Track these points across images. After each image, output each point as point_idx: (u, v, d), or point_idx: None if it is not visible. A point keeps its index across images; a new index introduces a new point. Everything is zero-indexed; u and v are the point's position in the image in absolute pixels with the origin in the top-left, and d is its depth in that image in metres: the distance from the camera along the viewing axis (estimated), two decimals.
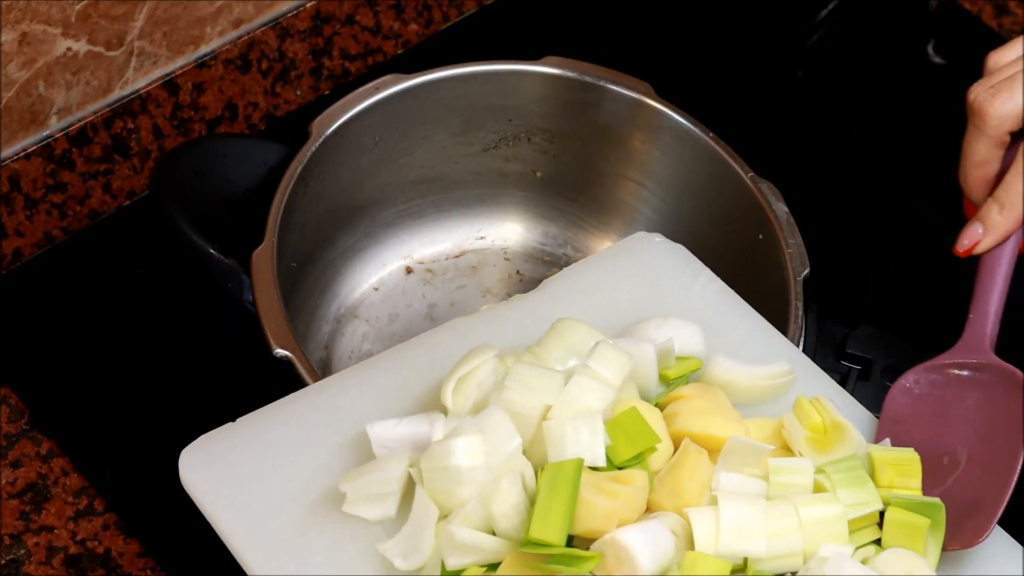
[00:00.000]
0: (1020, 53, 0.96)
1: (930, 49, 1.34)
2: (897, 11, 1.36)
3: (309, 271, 1.13)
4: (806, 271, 1.06)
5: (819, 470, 0.86)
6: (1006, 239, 0.94)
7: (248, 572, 0.84)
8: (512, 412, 0.85)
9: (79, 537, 1.04)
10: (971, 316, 0.95)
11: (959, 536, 0.86)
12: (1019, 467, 0.88)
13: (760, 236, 1.09)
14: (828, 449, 0.88)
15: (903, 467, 0.87)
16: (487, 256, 1.20)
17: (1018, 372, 0.92)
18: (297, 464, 0.88)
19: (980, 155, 0.95)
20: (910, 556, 0.84)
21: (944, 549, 0.85)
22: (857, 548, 0.84)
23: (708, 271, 1.00)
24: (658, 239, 1.01)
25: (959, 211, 1.04)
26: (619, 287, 0.98)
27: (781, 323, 1.02)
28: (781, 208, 1.09)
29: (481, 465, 0.83)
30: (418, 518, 0.84)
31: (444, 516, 0.84)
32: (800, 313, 1.04)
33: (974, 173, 0.96)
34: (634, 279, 0.99)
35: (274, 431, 0.90)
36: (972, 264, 1.00)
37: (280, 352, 0.99)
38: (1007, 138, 0.95)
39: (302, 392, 0.93)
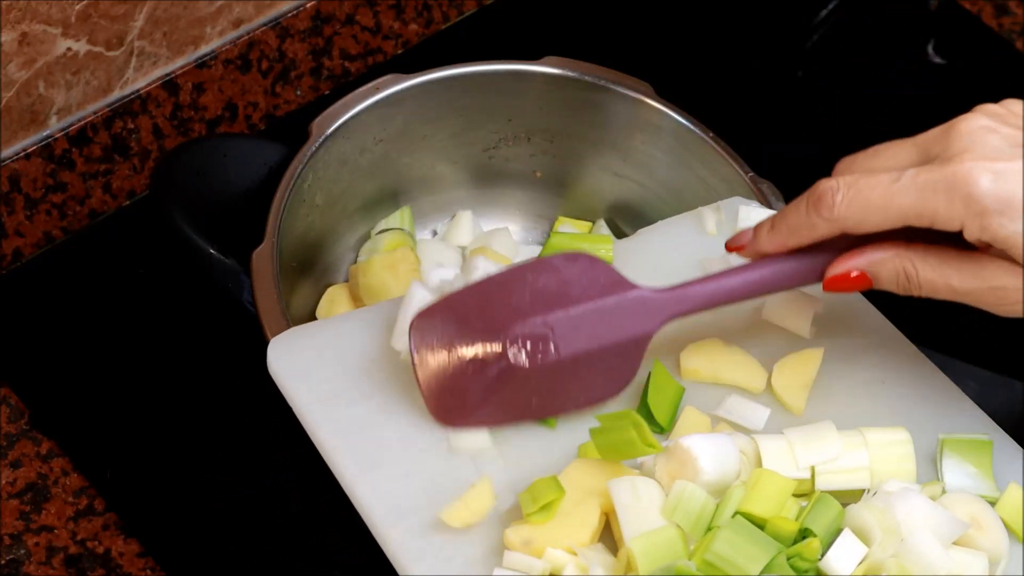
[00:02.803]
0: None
1: (930, 49, 1.34)
2: (897, 11, 1.36)
3: (309, 271, 1.13)
4: None
5: None
6: (761, 257, 0.90)
7: (327, 460, 0.88)
8: None
9: (79, 537, 1.04)
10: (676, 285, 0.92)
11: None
12: None
13: None
14: None
15: None
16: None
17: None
18: (376, 362, 0.91)
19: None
20: (976, 500, 0.86)
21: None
22: (924, 486, 0.86)
23: None
24: (754, 205, 1.03)
25: None
26: (700, 247, 1.00)
27: None
28: (781, 208, 1.09)
29: None
30: None
31: None
32: None
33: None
34: (711, 241, 1.00)
35: (357, 331, 0.93)
36: None
37: None
38: None
39: (386, 301, 0.96)
